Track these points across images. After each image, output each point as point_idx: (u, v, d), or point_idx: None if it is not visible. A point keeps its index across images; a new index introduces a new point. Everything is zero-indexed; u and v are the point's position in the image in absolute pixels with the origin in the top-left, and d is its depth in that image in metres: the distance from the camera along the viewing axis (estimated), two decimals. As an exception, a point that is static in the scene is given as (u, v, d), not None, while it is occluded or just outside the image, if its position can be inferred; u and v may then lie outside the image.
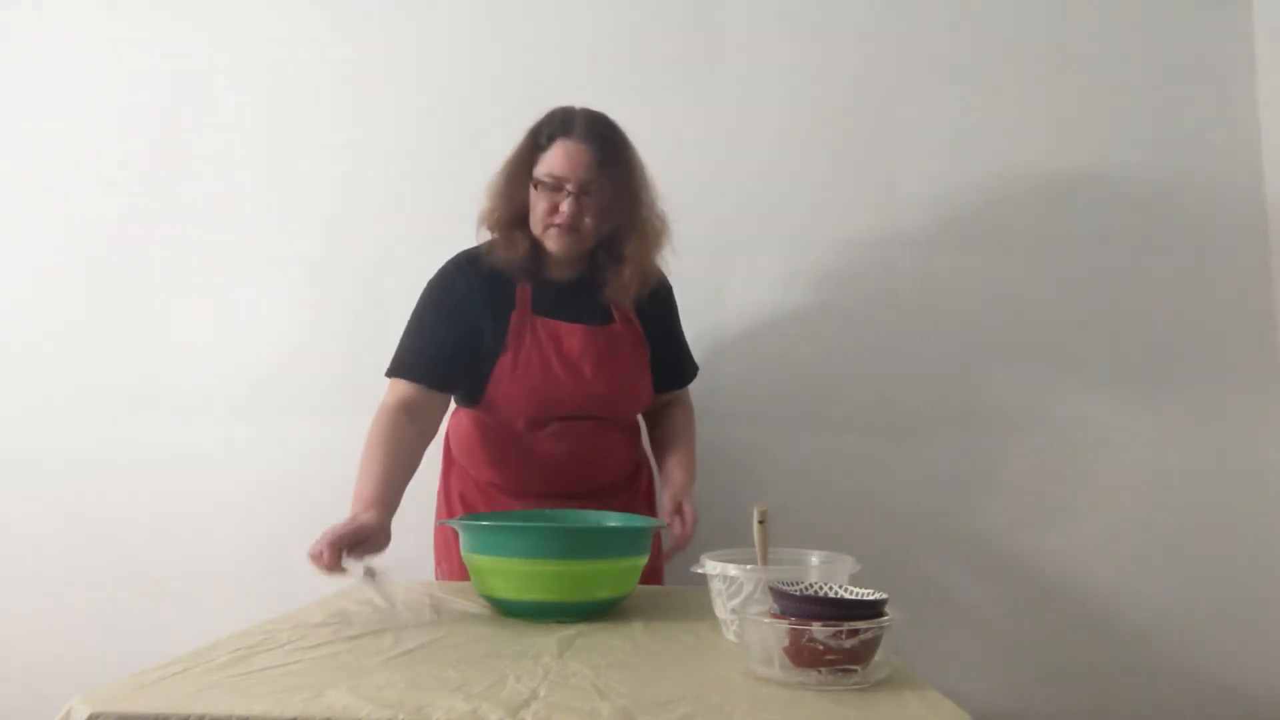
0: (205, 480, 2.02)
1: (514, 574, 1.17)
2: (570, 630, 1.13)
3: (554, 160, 1.45)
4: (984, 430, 1.97)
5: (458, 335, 1.49)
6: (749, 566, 1.11)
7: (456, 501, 1.62)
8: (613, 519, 1.39)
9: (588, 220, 1.46)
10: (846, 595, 0.98)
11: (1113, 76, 2.04)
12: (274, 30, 2.14)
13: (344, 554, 1.19)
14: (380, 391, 2.04)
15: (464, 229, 2.05)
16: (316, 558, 1.17)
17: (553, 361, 1.49)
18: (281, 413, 2.03)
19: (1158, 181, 2.01)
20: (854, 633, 0.88)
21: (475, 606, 1.27)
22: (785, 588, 0.96)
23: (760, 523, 1.16)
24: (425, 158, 2.09)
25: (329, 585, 1.44)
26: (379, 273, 2.06)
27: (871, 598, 0.95)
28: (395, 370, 1.49)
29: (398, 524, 1.93)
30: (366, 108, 2.11)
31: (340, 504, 1.97)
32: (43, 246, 2.11)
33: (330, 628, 1.11)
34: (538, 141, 1.49)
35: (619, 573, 1.22)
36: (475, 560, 1.20)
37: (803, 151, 2.05)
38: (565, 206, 1.45)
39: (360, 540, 1.21)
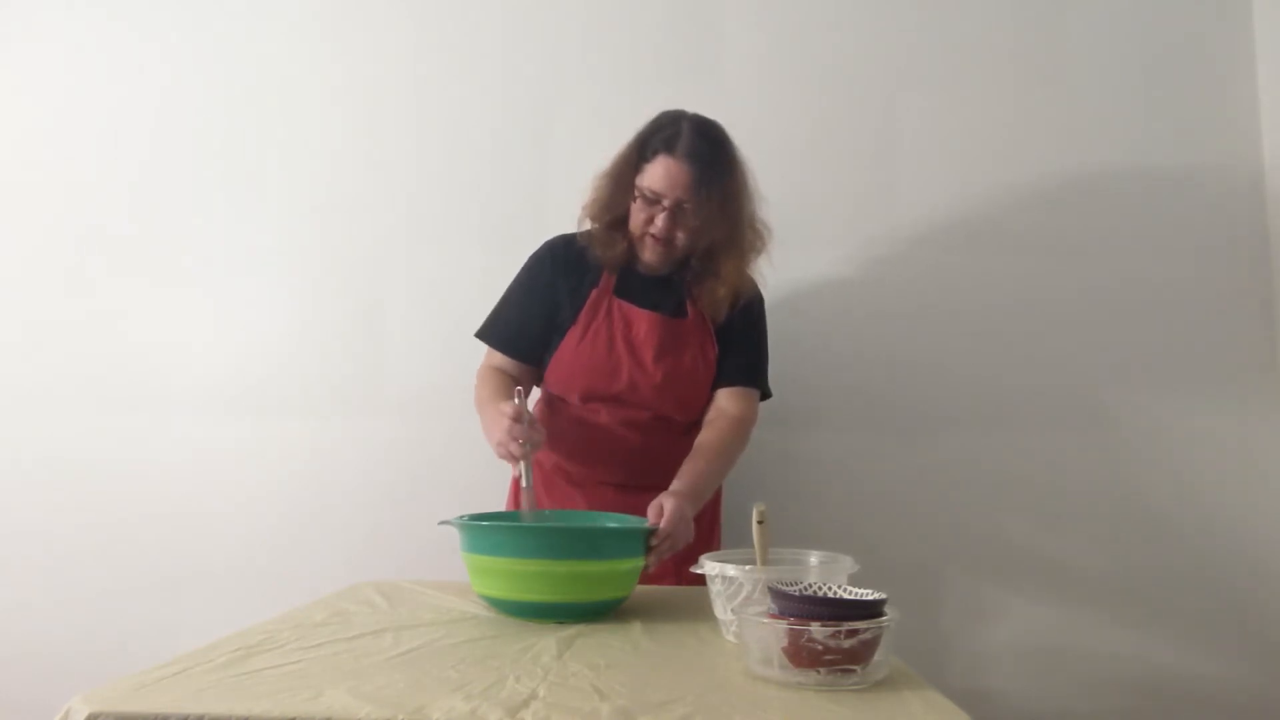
0: (204, 479, 2.02)
1: (514, 574, 1.17)
2: (570, 630, 1.13)
3: (654, 175, 1.48)
4: (984, 430, 1.97)
5: (538, 311, 1.59)
6: (748, 567, 1.11)
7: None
8: (613, 520, 1.38)
9: (681, 235, 1.52)
10: (846, 595, 0.98)
11: (1113, 77, 2.04)
12: (270, 26, 2.13)
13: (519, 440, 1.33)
14: (378, 392, 2.06)
15: (461, 227, 2.07)
16: (505, 444, 1.34)
17: (618, 341, 1.54)
18: (280, 412, 2.03)
19: (1158, 181, 2.02)
20: (853, 633, 0.88)
21: (475, 606, 1.27)
22: (784, 588, 0.97)
23: (760, 523, 1.16)
24: (422, 157, 2.09)
25: (328, 585, 1.45)
26: (376, 271, 2.06)
27: (871, 598, 0.95)
28: (480, 333, 1.63)
29: (402, 526, 1.96)
30: (361, 106, 2.11)
31: (339, 503, 1.99)
32: (40, 242, 2.11)
33: (330, 628, 1.11)
34: (643, 153, 1.51)
35: (619, 574, 1.22)
36: (475, 560, 1.20)
37: (803, 153, 2.05)
38: (660, 221, 1.50)
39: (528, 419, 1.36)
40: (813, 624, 0.89)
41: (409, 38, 2.12)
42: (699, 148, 1.47)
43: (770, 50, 2.08)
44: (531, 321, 1.59)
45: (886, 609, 0.93)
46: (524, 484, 1.37)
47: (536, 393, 1.66)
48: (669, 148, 1.47)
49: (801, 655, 0.89)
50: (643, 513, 1.33)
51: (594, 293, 1.57)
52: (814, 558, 1.19)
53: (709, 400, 1.60)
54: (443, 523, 1.27)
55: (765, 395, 1.66)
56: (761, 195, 1.56)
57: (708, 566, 1.13)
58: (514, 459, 1.36)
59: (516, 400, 1.37)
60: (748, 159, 1.55)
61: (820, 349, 2.00)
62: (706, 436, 1.53)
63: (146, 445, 2.03)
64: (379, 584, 1.43)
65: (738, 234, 1.54)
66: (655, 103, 1.57)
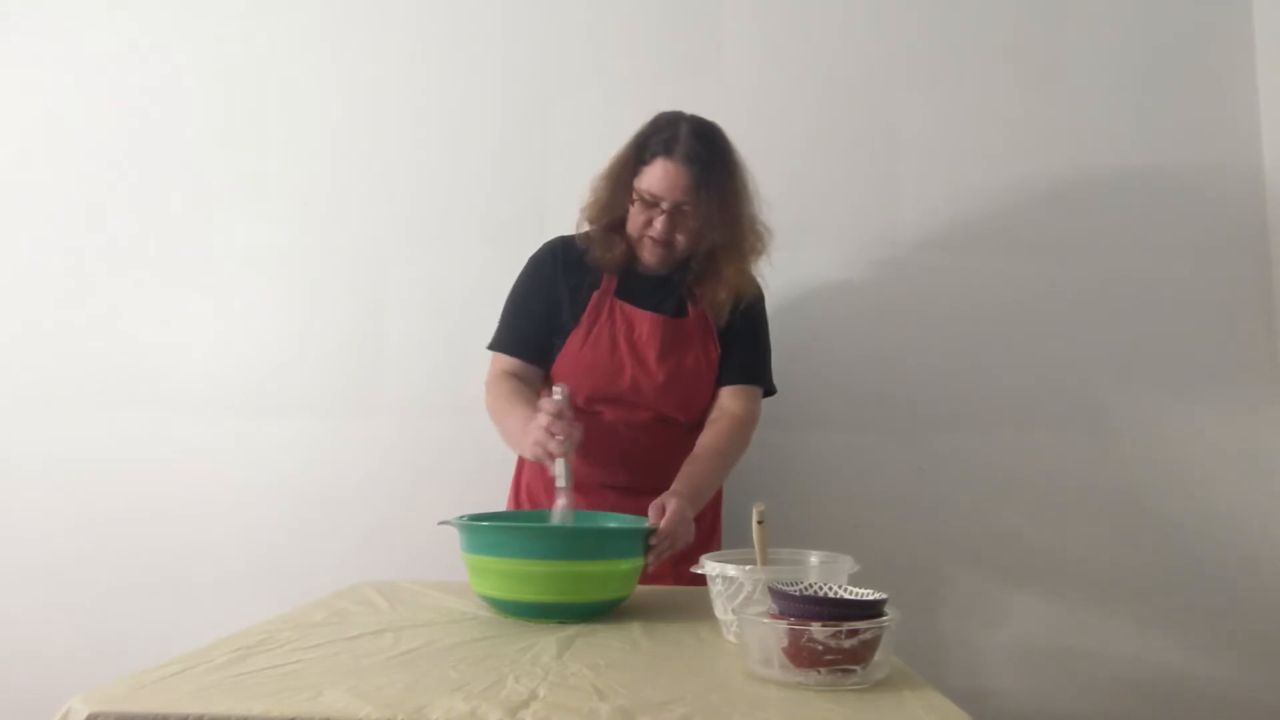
0: (204, 479, 2.02)
1: (514, 574, 1.17)
2: (570, 630, 1.13)
3: (652, 178, 1.48)
4: (984, 430, 1.97)
5: (543, 312, 1.58)
6: (748, 567, 1.11)
7: (523, 494, 1.66)
8: (613, 520, 1.38)
9: (680, 237, 1.52)
10: (846, 595, 0.98)
11: (1113, 77, 2.04)
12: (270, 25, 2.13)
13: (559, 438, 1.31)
14: (378, 392, 2.06)
15: (461, 227, 2.07)
16: (543, 443, 1.30)
17: (620, 343, 1.55)
18: (280, 412, 2.03)
19: (1158, 182, 2.02)
20: (853, 633, 0.88)
21: (475, 606, 1.27)
22: (784, 588, 0.96)
23: (760, 523, 1.16)
24: (423, 157, 2.09)
25: (328, 585, 1.45)
26: (377, 271, 2.06)
27: (871, 598, 0.95)
28: (492, 344, 1.62)
29: (402, 526, 1.96)
30: (362, 105, 2.11)
31: (339, 503, 1.99)
32: (40, 242, 2.11)
33: (329, 628, 1.11)
34: (641, 155, 1.51)
35: (619, 574, 1.22)
36: (475, 560, 1.20)
37: (803, 153, 2.05)
38: (659, 224, 1.50)
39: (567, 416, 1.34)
40: (813, 624, 0.88)
41: (409, 37, 2.12)
42: (697, 150, 1.47)
43: (770, 50, 2.08)
44: (542, 324, 1.59)
45: (887, 609, 0.93)
46: (560, 484, 1.33)
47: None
48: (667, 150, 1.47)
49: (802, 655, 0.89)
50: (644, 515, 1.33)
51: (595, 295, 1.57)
52: (814, 558, 1.19)
53: (712, 400, 1.60)
54: (443, 523, 1.27)
55: (770, 392, 1.66)
56: (761, 197, 1.56)
57: (708, 566, 1.13)
58: (552, 458, 1.32)
59: (558, 397, 1.36)
60: (747, 159, 1.55)
61: (820, 349, 2.00)
62: (708, 437, 1.54)
63: (146, 445, 2.03)
64: (379, 584, 1.43)
65: (738, 236, 1.54)
66: (655, 103, 1.57)
